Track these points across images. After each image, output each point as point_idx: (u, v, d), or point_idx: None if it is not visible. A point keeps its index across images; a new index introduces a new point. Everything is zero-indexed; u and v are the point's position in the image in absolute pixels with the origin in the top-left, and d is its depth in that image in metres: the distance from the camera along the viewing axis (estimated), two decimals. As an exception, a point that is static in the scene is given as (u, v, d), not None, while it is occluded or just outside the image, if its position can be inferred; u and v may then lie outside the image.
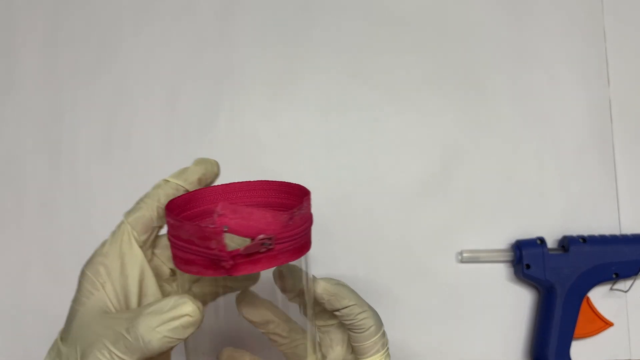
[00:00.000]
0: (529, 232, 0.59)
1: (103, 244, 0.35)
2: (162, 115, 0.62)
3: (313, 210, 0.37)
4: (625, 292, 0.58)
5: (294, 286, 0.36)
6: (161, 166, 0.61)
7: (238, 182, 0.34)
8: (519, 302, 0.58)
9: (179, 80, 0.63)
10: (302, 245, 0.32)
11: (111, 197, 0.61)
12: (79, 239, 0.60)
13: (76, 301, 0.33)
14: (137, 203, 0.36)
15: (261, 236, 0.28)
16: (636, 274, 0.56)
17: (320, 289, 0.35)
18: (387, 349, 0.36)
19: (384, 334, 0.36)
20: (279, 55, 0.63)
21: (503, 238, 0.59)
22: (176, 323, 0.29)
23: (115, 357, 0.29)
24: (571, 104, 0.62)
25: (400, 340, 0.58)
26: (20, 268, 0.60)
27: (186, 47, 0.63)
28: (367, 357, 0.36)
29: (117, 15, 0.64)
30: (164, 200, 0.35)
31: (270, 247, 0.29)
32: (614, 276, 0.56)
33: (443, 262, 0.59)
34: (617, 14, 0.63)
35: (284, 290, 0.36)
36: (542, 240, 0.57)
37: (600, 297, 0.58)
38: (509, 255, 0.58)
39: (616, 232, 0.59)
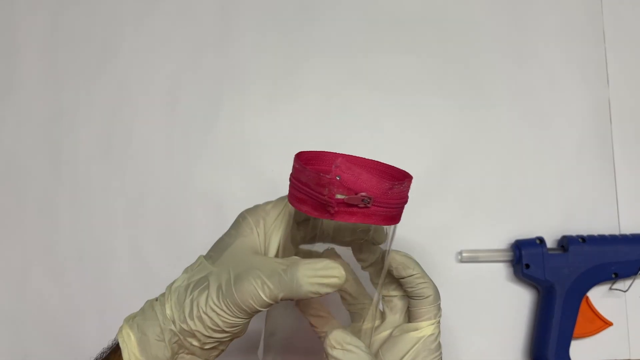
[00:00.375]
0: (529, 232, 0.59)
1: (268, 203, 0.41)
2: (162, 116, 0.62)
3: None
4: (625, 291, 0.58)
5: (368, 257, 0.42)
6: (161, 166, 0.61)
7: (358, 157, 0.39)
8: (518, 302, 0.58)
9: (179, 81, 0.63)
10: (394, 216, 0.37)
11: (111, 198, 0.61)
12: (79, 239, 0.60)
13: (231, 236, 0.39)
14: None
15: (363, 193, 0.34)
16: (635, 273, 0.56)
17: (390, 257, 0.40)
18: (439, 320, 0.40)
19: (438, 306, 0.41)
20: (279, 56, 0.63)
21: (502, 238, 0.59)
22: (325, 280, 0.34)
23: (266, 287, 0.34)
24: (571, 104, 0.62)
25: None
26: (21, 268, 0.60)
27: (186, 48, 0.63)
28: (420, 321, 0.40)
29: (117, 15, 0.64)
30: None
31: (368, 205, 0.34)
32: (613, 276, 0.56)
33: (443, 261, 0.59)
34: (617, 15, 0.63)
35: (359, 259, 0.43)
36: (541, 240, 0.57)
37: (599, 296, 0.58)
38: (508, 255, 0.58)
39: (615, 232, 0.59)
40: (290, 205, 0.37)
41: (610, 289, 0.58)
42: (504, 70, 0.62)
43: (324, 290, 0.34)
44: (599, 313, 0.57)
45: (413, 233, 0.60)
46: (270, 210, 0.40)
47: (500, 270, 0.59)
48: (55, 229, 0.60)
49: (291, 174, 0.37)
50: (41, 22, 0.64)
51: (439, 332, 0.40)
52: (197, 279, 0.37)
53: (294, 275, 0.34)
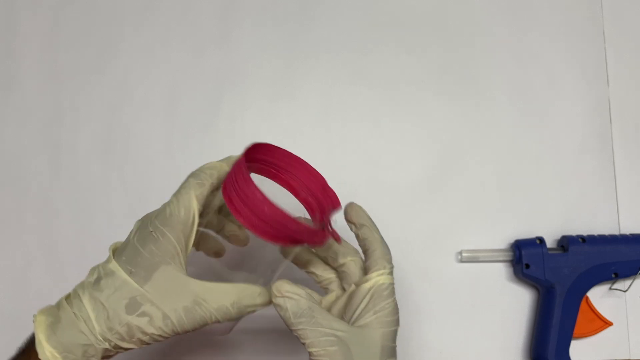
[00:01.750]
0: (529, 232, 0.59)
1: (180, 207, 0.39)
2: (162, 116, 0.62)
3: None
4: (625, 291, 0.58)
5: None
6: (161, 166, 0.61)
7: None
8: (518, 302, 0.58)
9: (179, 81, 0.63)
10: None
11: (111, 197, 0.61)
12: (80, 239, 0.60)
13: (154, 254, 0.38)
14: (199, 176, 0.41)
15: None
16: (635, 273, 0.56)
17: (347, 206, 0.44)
18: (389, 271, 0.42)
19: (388, 260, 0.42)
20: (279, 55, 0.63)
21: (502, 238, 0.59)
22: (260, 308, 0.40)
23: (214, 317, 0.38)
24: (571, 104, 0.62)
25: (399, 339, 0.58)
26: (21, 268, 0.60)
27: (186, 48, 0.63)
28: (370, 273, 0.42)
29: (117, 15, 0.64)
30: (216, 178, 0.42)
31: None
32: (613, 276, 0.56)
33: (443, 261, 0.59)
34: (617, 15, 0.63)
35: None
36: (541, 240, 0.57)
37: (599, 296, 0.58)
38: (508, 255, 0.58)
39: (615, 232, 0.59)
40: (196, 210, 0.39)
41: (610, 288, 0.58)
42: (504, 69, 0.62)
43: (255, 311, 0.40)
44: (599, 313, 0.57)
45: (413, 233, 0.60)
46: (185, 219, 0.39)
47: (500, 270, 0.59)
48: (55, 228, 0.60)
49: (263, 218, 0.37)
50: (41, 21, 0.64)
51: (391, 282, 0.42)
52: (126, 298, 0.37)
53: (239, 308, 0.39)
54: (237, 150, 0.62)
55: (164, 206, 0.40)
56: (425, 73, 0.62)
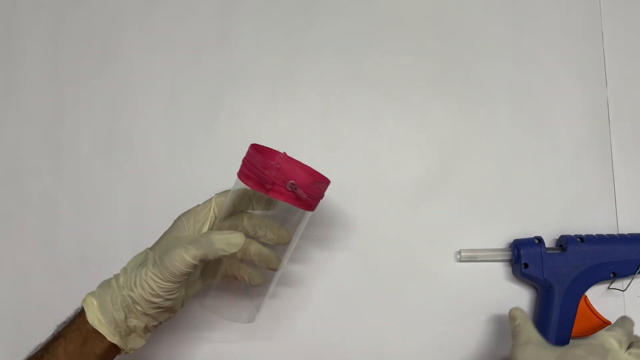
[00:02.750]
0: (527, 232, 0.59)
1: (197, 206, 0.50)
2: (163, 116, 0.62)
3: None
4: (623, 291, 0.58)
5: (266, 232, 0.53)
6: (162, 166, 0.61)
7: (296, 160, 0.46)
8: (517, 301, 0.59)
9: (179, 81, 0.63)
10: (310, 204, 0.47)
11: (112, 197, 0.61)
12: (81, 239, 0.60)
13: (168, 232, 0.49)
14: (222, 193, 0.51)
15: (292, 181, 0.44)
16: (633, 273, 0.56)
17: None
18: None
19: None
20: (279, 56, 0.63)
21: (501, 237, 0.60)
22: (231, 242, 0.45)
23: (188, 249, 0.45)
24: (569, 104, 0.62)
25: (398, 338, 0.58)
26: (23, 267, 0.60)
27: (187, 48, 0.63)
28: None
29: (118, 16, 0.64)
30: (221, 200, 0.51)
31: (295, 190, 0.44)
32: (611, 275, 0.56)
33: (442, 261, 0.59)
34: (615, 16, 0.63)
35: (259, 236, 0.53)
36: (540, 240, 0.57)
37: (598, 296, 0.58)
38: (507, 255, 0.58)
39: (614, 231, 0.60)
40: (215, 206, 0.50)
41: (609, 288, 0.58)
42: (503, 70, 0.63)
43: (230, 249, 0.45)
44: (597, 312, 0.57)
45: (412, 232, 0.60)
46: (200, 211, 0.50)
47: (499, 270, 0.59)
48: (56, 228, 0.60)
49: (245, 157, 0.47)
50: (43, 22, 0.64)
51: None
52: (140, 259, 0.48)
53: (209, 239, 0.45)
54: (237, 150, 0.62)
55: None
56: (424, 74, 0.63)
